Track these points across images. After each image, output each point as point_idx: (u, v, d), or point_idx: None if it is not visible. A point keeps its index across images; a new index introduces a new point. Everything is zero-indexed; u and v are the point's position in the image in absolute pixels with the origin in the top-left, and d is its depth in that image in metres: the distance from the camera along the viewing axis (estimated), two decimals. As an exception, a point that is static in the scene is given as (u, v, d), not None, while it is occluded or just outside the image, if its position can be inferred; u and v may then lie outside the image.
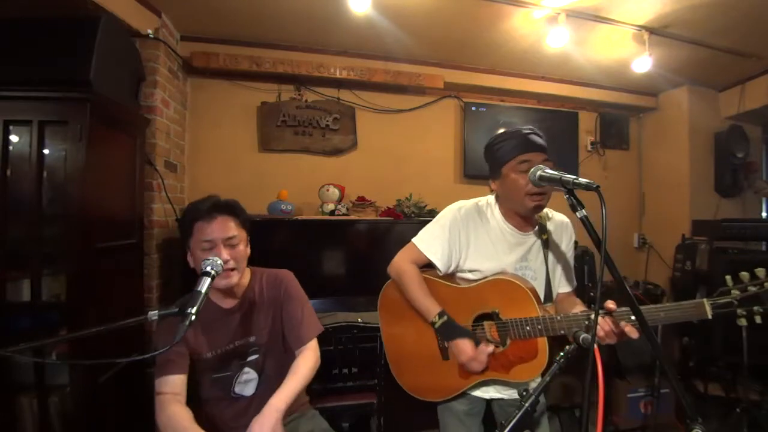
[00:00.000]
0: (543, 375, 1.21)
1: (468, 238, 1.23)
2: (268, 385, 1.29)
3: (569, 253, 1.30)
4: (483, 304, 1.19)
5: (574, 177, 0.88)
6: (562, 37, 2.21)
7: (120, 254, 1.87)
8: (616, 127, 3.38)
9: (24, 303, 1.54)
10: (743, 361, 2.01)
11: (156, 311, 0.92)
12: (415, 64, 2.81)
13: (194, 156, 2.61)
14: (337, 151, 2.81)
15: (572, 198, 0.88)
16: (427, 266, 1.27)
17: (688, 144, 3.07)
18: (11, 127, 1.54)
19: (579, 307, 1.18)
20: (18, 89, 1.53)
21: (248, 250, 1.30)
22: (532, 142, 1.14)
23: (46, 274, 1.57)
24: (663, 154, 3.29)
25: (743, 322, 0.94)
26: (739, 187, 3.12)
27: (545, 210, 1.28)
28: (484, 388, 1.25)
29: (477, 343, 1.14)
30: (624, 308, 0.98)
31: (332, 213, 2.52)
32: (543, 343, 1.09)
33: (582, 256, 2.58)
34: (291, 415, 1.30)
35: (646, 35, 2.31)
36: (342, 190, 2.63)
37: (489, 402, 1.29)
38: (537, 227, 1.25)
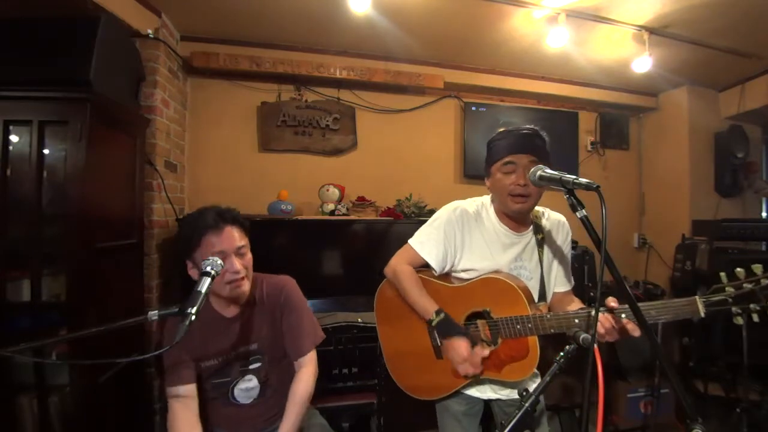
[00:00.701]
0: (539, 375, 1.22)
1: (463, 239, 1.23)
2: (271, 393, 1.30)
3: (566, 253, 1.29)
4: (475, 303, 1.19)
5: (574, 177, 0.88)
6: (562, 37, 2.21)
7: (120, 254, 1.87)
8: (616, 127, 3.38)
9: (24, 303, 1.54)
10: (743, 361, 2.01)
11: (156, 311, 0.92)
12: (415, 64, 2.81)
13: (194, 156, 2.61)
14: (337, 151, 2.81)
15: (572, 198, 0.88)
16: (424, 266, 1.28)
17: (688, 144, 3.07)
18: (11, 127, 1.54)
19: (575, 305, 1.18)
20: (18, 89, 1.53)
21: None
22: (520, 144, 1.14)
23: (46, 274, 1.57)
24: (663, 154, 3.30)
25: (739, 320, 0.92)
26: (739, 187, 3.12)
27: (541, 209, 1.28)
28: (480, 388, 1.24)
29: (473, 344, 1.14)
30: (622, 306, 0.98)
31: (332, 213, 2.52)
32: (534, 342, 1.09)
33: (582, 256, 2.58)
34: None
35: (646, 35, 2.31)
36: (342, 190, 2.63)
37: (488, 403, 1.29)
38: (532, 227, 1.25)
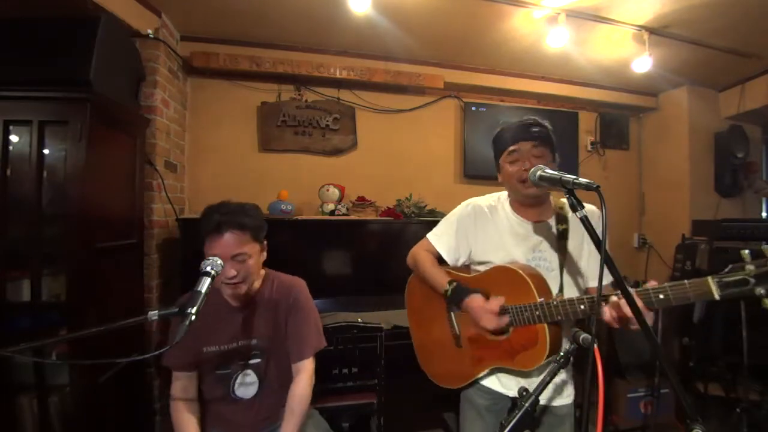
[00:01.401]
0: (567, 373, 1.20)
1: (476, 232, 1.26)
2: (270, 391, 1.31)
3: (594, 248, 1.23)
4: (487, 292, 1.19)
5: (574, 177, 0.88)
6: (562, 37, 2.21)
7: (120, 254, 1.87)
8: (616, 127, 3.38)
9: (24, 303, 1.54)
10: (743, 361, 2.01)
11: (156, 311, 0.92)
12: (415, 64, 2.81)
13: (194, 156, 2.61)
14: (337, 151, 2.81)
15: (572, 198, 0.88)
16: (441, 260, 1.33)
17: (688, 144, 3.07)
18: (11, 127, 1.54)
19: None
20: (18, 89, 1.53)
21: (263, 257, 1.32)
22: (521, 133, 1.16)
23: (46, 274, 1.57)
24: (663, 154, 3.30)
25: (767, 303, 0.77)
26: (739, 187, 3.12)
27: (565, 200, 1.25)
28: (505, 383, 1.22)
29: (488, 297, 1.15)
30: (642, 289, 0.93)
31: (332, 213, 2.52)
32: (543, 329, 1.08)
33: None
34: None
35: (646, 35, 2.31)
36: (342, 190, 2.63)
37: (515, 401, 1.27)
38: (554, 217, 1.22)
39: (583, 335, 0.91)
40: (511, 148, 1.16)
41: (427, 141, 3.00)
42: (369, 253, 2.48)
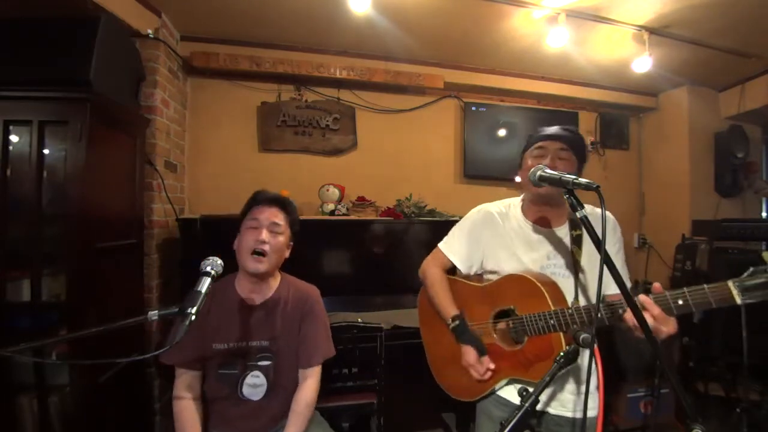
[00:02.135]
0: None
1: (488, 239, 1.25)
2: (278, 395, 1.31)
3: (616, 251, 1.18)
4: (501, 302, 1.18)
5: (573, 177, 0.88)
6: (562, 37, 2.21)
7: (120, 254, 1.87)
8: (616, 127, 3.38)
9: (24, 303, 1.54)
10: (743, 362, 2.01)
11: (156, 311, 0.92)
12: (415, 64, 2.81)
13: (194, 156, 2.61)
14: (337, 151, 2.81)
15: (572, 198, 0.87)
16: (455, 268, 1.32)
17: (688, 144, 3.07)
18: (11, 127, 1.54)
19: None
20: (18, 89, 1.53)
21: (287, 252, 1.35)
22: (551, 133, 1.16)
23: (46, 274, 1.57)
24: (663, 154, 3.29)
25: None
26: (739, 187, 3.12)
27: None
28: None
29: (483, 353, 1.16)
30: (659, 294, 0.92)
31: (332, 213, 2.52)
32: (558, 338, 1.06)
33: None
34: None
35: (646, 35, 2.31)
36: (342, 190, 2.63)
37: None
38: (568, 223, 1.19)
39: (583, 335, 0.91)
40: (541, 144, 1.16)
41: (427, 141, 3.00)
42: (369, 253, 2.47)
